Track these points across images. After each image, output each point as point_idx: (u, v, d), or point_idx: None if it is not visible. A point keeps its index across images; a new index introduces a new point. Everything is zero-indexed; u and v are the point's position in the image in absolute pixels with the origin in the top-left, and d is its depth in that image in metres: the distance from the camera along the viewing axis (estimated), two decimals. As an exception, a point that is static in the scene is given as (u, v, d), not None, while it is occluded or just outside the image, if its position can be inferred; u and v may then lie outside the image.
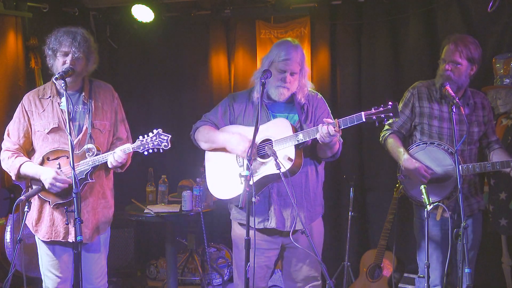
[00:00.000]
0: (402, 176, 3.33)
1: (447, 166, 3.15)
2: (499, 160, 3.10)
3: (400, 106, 3.41)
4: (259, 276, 3.07)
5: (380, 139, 3.48)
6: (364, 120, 2.66)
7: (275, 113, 3.05)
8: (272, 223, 2.99)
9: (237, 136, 2.98)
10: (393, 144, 3.35)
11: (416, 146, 3.28)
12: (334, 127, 2.69)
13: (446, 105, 3.27)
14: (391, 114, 2.62)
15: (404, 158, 3.24)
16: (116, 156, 2.93)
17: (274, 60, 2.94)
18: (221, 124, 3.16)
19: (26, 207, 2.74)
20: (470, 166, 3.08)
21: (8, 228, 4.15)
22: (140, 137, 2.98)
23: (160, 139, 2.94)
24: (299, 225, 2.96)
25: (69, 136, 2.65)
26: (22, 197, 2.77)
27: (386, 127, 3.46)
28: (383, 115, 2.62)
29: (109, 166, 2.98)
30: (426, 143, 3.24)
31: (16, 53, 4.55)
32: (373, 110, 2.65)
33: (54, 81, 2.80)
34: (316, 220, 3.12)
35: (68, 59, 2.92)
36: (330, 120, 2.74)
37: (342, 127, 2.71)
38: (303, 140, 2.83)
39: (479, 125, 3.29)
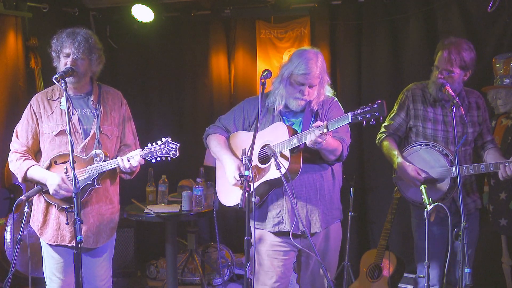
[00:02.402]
0: (396, 178, 3.34)
1: (441, 167, 3.15)
2: (492, 161, 3.09)
3: (395, 108, 3.41)
4: (285, 286, 3.04)
5: (376, 141, 3.48)
6: (350, 120, 2.58)
7: (289, 119, 3.03)
8: (286, 226, 2.94)
9: (233, 163, 2.97)
10: (388, 147, 3.35)
11: (411, 147, 3.29)
12: (322, 130, 2.63)
13: (440, 108, 3.27)
14: (376, 113, 2.51)
15: (398, 161, 3.24)
16: (133, 161, 2.91)
17: (293, 72, 2.90)
18: (233, 129, 3.17)
19: (26, 207, 2.73)
20: (464, 167, 3.07)
21: (8, 228, 4.15)
22: (149, 144, 2.95)
23: (168, 147, 2.91)
24: (314, 228, 2.95)
25: (68, 136, 2.62)
26: (22, 197, 2.77)
27: (382, 129, 3.45)
28: (369, 115, 2.53)
29: (122, 169, 2.96)
30: (421, 145, 3.24)
31: (16, 53, 4.55)
32: (359, 111, 2.57)
33: (54, 81, 2.77)
34: (333, 224, 3.06)
35: (69, 60, 2.91)
36: (320, 123, 2.69)
37: (330, 129, 2.64)
38: (297, 144, 2.78)
39: (474, 125, 3.28)
